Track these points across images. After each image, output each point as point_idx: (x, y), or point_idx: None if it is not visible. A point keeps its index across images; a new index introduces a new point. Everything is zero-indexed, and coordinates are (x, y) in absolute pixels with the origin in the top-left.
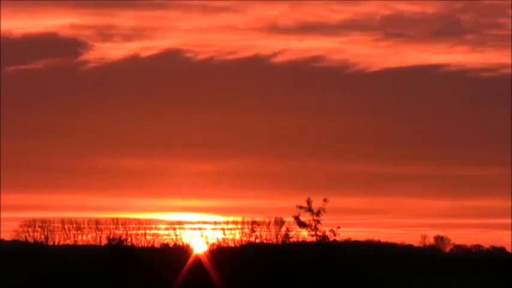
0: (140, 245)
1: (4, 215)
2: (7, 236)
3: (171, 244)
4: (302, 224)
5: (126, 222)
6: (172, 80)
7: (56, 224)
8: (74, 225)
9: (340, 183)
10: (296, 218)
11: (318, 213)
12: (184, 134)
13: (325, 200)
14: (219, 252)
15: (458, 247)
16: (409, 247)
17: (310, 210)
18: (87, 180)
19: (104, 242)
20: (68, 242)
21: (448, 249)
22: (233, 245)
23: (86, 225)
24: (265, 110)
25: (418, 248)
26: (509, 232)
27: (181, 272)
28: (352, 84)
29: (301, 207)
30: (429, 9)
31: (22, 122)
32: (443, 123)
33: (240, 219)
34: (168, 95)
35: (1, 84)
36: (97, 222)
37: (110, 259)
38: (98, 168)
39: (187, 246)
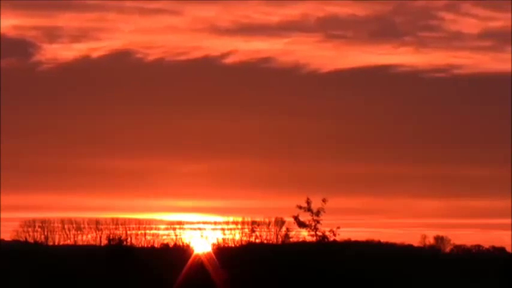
0: (140, 245)
1: (4, 215)
2: (7, 236)
3: (171, 244)
4: (302, 224)
5: (126, 222)
6: (144, 80)
7: (56, 224)
8: (74, 225)
9: (340, 183)
10: (296, 218)
11: (318, 213)
12: (184, 134)
13: (324, 200)
14: (219, 253)
15: (458, 247)
16: (409, 247)
17: (309, 210)
18: (87, 181)
19: (104, 242)
20: (68, 242)
21: (448, 249)
22: (233, 245)
23: (86, 225)
24: (230, 110)
25: (418, 248)
26: (509, 232)
27: (181, 272)
28: (308, 85)
29: (300, 208)
30: (360, 11)
31: (22, 122)
32: (424, 123)
33: (240, 219)
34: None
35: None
36: (97, 222)
37: (110, 259)
38: (98, 168)
39: (187, 246)
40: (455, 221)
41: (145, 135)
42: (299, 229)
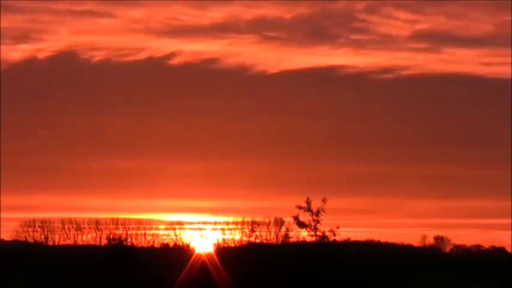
0: (140, 245)
1: (4, 215)
2: (7, 236)
3: (171, 244)
4: (302, 224)
5: (126, 223)
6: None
7: (56, 224)
8: (74, 225)
9: (340, 183)
10: (296, 218)
11: (318, 213)
12: (184, 134)
13: (324, 200)
14: (219, 253)
15: (458, 247)
16: (409, 247)
17: (309, 210)
18: (87, 181)
19: (104, 242)
20: (68, 242)
21: (448, 249)
22: (233, 245)
23: (86, 225)
24: (184, 110)
25: (418, 248)
26: (509, 232)
27: (181, 272)
28: (259, 85)
29: (300, 208)
30: (285, 13)
31: (22, 122)
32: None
33: (240, 219)
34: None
35: None
36: (97, 222)
37: (110, 259)
38: (98, 168)
39: (187, 246)
40: (455, 221)
41: (145, 136)
42: (299, 229)
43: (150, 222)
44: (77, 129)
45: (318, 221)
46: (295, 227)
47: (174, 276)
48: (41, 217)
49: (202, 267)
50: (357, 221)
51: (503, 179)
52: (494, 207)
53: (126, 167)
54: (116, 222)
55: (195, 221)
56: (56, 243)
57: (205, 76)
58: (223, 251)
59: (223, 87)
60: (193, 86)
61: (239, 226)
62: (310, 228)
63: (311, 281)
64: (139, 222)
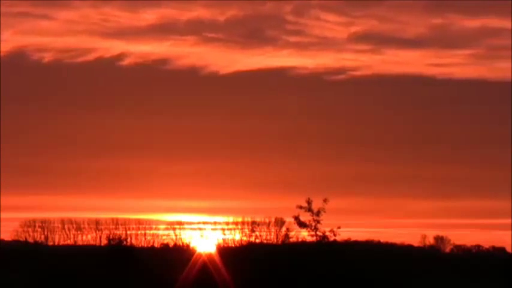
0: (140, 245)
1: (4, 215)
2: (7, 236)
3: (171, 244)
4: (302, 224)
5: (126, 223)
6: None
7: (56, 224)
8: (74, 225)
9: (340, 184)
10: (296, 218)
11: (318, 213)
12: (184, 134)
13: (325, 200)
14: (219, 253)
15: (458, 247)
16: (409, 247)
17: (310, 210)
18: (87, 181)
19: (104, 242)
20: (68, 242)
21: (448, 249)
22: (233, 245)
23: (86, 225)
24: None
25: (418, 248)
26: (509, 232)
27: (181, 272)
28: (213, 86)
29: (301, 207)
30: (218, 15)
31: (22, 122)
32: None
33: (240, 219)
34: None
35: None
36: (97, 222)
37: (110, 259)
38: (98, 168)
39: (187, 246)
40: (455, 221)
41: (145, 136)
42: (299, 229)
43: (150, 222)
44: (76, 130)
45: (318, 221)
46: (296, 227)
47: (174, 276)
48: (41, 217)
49: (204, 267)
50: (357, 221)
51: (503, 179)
52: (494, 207)
53: (126, 168)
54: (116, 222)
55: (195, 221)
56: (56, 243)
57: (159, 76)
58: (224, 251)
59: (182, 87)
60: (152, 86)
61: (239, 226)
62: (311, 228)
63: (311, 281)
64: (139, 222)
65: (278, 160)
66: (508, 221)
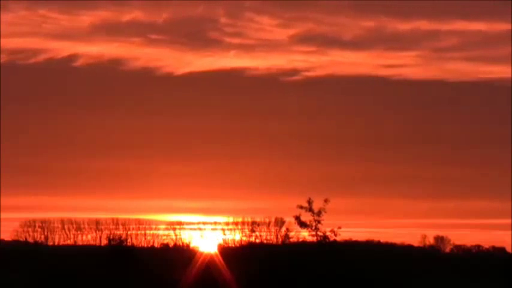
0: (140, 245)
1: (4, 215)
2: (7, 236)
3: (171, 244)
4: (302, 224)
5: (126, 223)
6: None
7: (56, 224)
8: (74, 226)
9: (340, 184)
10: (297, 218)
11: (319, 213)
12: (184, 135)
13: (326, 201)
14: (219, 253)
15: (458, 247)
16: (409, 247)
17: (310, 210)
18: (87, 181)
19: (104, 242)
20: (68, 242)
21: (448, 249)
22: (233, 245)
23: (86, 225)
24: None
25: (418, 248)
26: (509, 232)
27: (181, 272)
28: (169, 86)
29: (301, 207)
30: (154, 17)
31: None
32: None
33: (240, 219)
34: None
35: None
36: (97, 222)
37: (110, 259)
38: (98, 169)
39: (187, 246)
40: (455, 221)
41: (145, 137)
42: (299, 229)
43: (150, 222)
44: (76, 131)
45: (319, 221)
46: (296, 227)
47: (174, 276)
48: (41, 217)
49: (206, 267)
50: (357, 221)
51: (503, 179)
52: (494, 207)
53: (126, 168)
54: (116, 222)
55: (195, 221)
56: (56, 243)
57: (119, 76)
58: (224, 251)
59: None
60: (113, 86)
61: (239, 226)
62: (311, 228)
63: (311, 281)
64: (139, 222)
65: (278, 160)
66: (508, 221)
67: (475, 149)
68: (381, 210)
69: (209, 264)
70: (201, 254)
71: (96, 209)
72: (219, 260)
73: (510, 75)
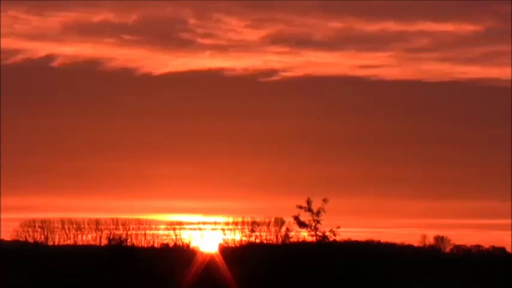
0: (140, 245)
1: (4, 215)
2: (7, 236)
3: (171, 244)
4: (302, 224)
5: (126, 223)
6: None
7: (56, 224)
8: (74, 226)
9: (340, 184)
10: (296, 218)
11: (318, 213)
12: (184, 135)
13: (325, 200)
14: (224, 253)
15: (458, 247)
16: (409, 247)
17: (310, 210)
18: (87, 181)
19: (104, 242)
20: (68, 242)
21: (448, 249)
22: (233, 245)
23: (86, 226)
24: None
25: (418, 248)
26: (509, 232)
27: (181, 272)
28: (150, 86)
29: (301, 207)
30: (125, 18)
31: (22, 123)
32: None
33: (240, 219)
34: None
35: None
36: (97, 222)
37: (110, 259)
38: (98, 169)
39: (187, 246)
40: (455, 221)
41: (145, 137)
42: (299, 229)
43: (150, 222)
44: (76, 132)
45: (318, 221)
46: (296, 227)
47: (174, 276)
48: (41, 217)
49: (207, 267)
50: (357, 221)
51: (503, 179)
52: (494, 207)
53: (126, 168)
54: (116, 222)
55: (195, 221)
56: (56, 243)
57: (99, 77)
58: (228, 251)
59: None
60: (96, 86)
61: (239, 226)
62: (311, 228)
63: (311, 281)
64: (139, 222)
65: (278, 160)
66: (508, 221)
67: (475, 149)
68: (381, 210)
69: (209, 264)
70: (202, 254)
71: (96, 209)
72: (219, 260)
73: (485, 76)
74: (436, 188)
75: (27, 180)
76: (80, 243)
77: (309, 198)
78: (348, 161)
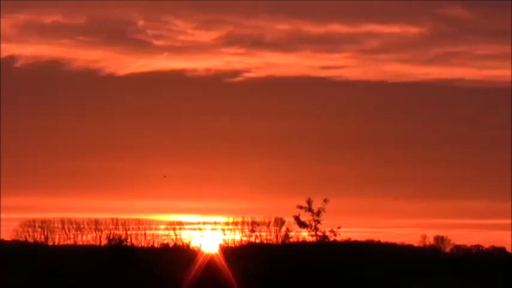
0: (140, 245)
1: (4, 215)
2: (7, 236)
3: (171, 244)
4: (302, 224)
5: (126, 223)
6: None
7: (56, 224)
8: (74, 226)
9: (340, 184)
10: (296, 218)
11: (318, 213)
12: (184, 135)
13: (325, 200)
14: (225, 253)
15: (458, 247)
16: (409, 247)
17: (310, 210)
18: (87, 182)
19: (104, 242)
20: (68, 242)
21: (448, 249)
22: (233, 245)
23: (86, 226)
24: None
25: (418, 248)
26: (509, 232)
27: (181, 272)
28: (114, 86)
29: (301, 207)
30: (75, 19)
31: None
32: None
33: (240, 219)
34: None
35: None
36: (97, 222)
37: (110, 259)
38: (98, 169)
39: (187, 246)
40: (455, 221)
41: (145, 138)
42: (299, 229)
43: (150, 222)
44: (76, 132)
45: (318, 221)
46: (296, 227)
47: (174, 276)
48: (41, 217)
49: (207, 267)
50: (357, 221)
51: (503, 179)
52: (494, 207)
53: (126, 168)
54: (115, 222)
55: (195, 221)
56: (56, 243)
57: (64, 77)
58: (228, 251)
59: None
60: (63, 86)
61: (239, 226)
62: (311, 228)
63: (311, 281)
64: (139, 222)
65: (278, 160)
66: (508, 221)
67: (475, 149)
68: (381, 210)
69: (210, 264)
70: (202, 253)
71: (96, 209)
72: (220, 259)
73: (447, 77)
74: (436, 188)
75: (27, 180)
76: (80, 243)
77: (309, 198)
78: (348, 161)
